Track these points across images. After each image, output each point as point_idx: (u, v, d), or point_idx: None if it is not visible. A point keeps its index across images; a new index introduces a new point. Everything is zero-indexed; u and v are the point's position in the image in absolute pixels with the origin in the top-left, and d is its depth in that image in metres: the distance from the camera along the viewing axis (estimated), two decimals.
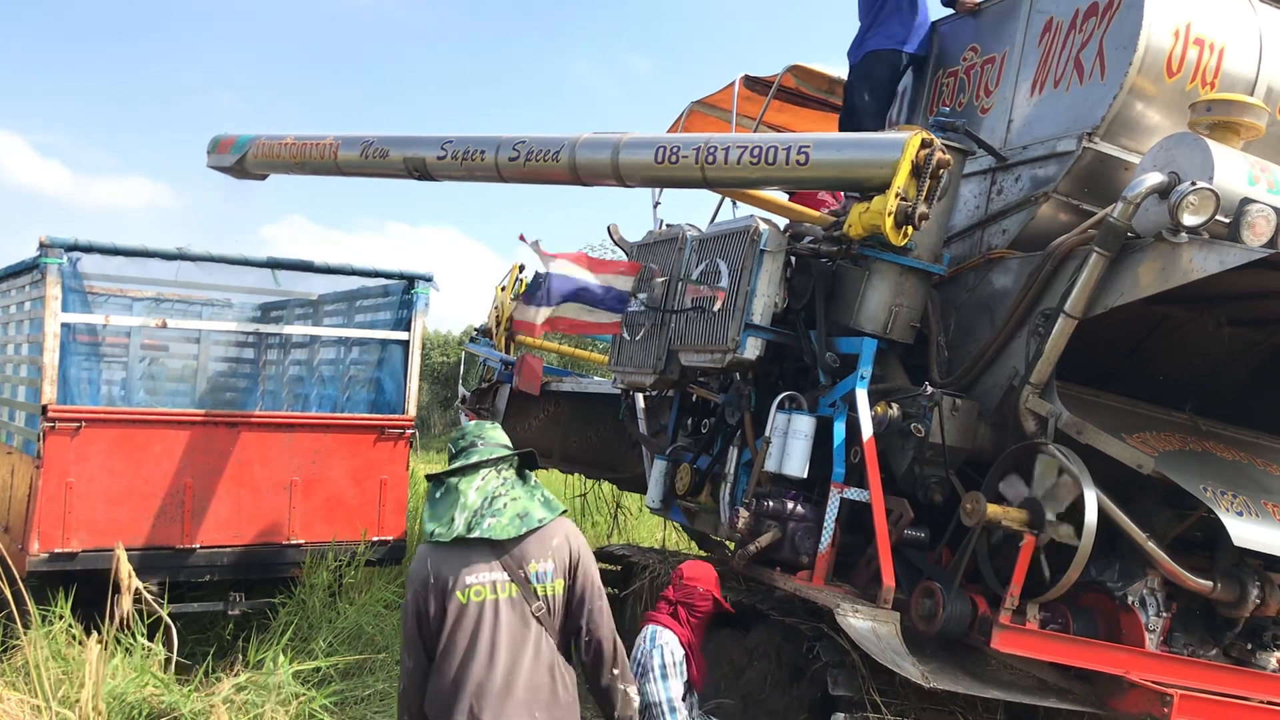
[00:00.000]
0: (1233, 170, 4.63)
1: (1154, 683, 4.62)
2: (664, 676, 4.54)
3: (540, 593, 3.60)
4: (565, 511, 3.82)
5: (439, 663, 3.56)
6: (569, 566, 3.66)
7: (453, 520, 3.60)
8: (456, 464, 3.75)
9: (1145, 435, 5.01)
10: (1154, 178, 4.64)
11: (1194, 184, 4.49)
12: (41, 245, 6.54)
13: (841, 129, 6.78)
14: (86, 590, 6.17)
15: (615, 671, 3.73)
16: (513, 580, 3.58)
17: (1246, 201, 4.52)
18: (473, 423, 3.96)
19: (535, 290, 6.15)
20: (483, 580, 3.56)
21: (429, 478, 3.81)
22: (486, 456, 3.75)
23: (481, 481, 3.69)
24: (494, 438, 3.87)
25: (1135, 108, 5.30)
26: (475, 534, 3.55)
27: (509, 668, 3.51)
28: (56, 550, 6.37)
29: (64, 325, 6.58)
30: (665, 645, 4.61)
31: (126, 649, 5.58)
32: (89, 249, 6.73)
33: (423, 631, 3.60)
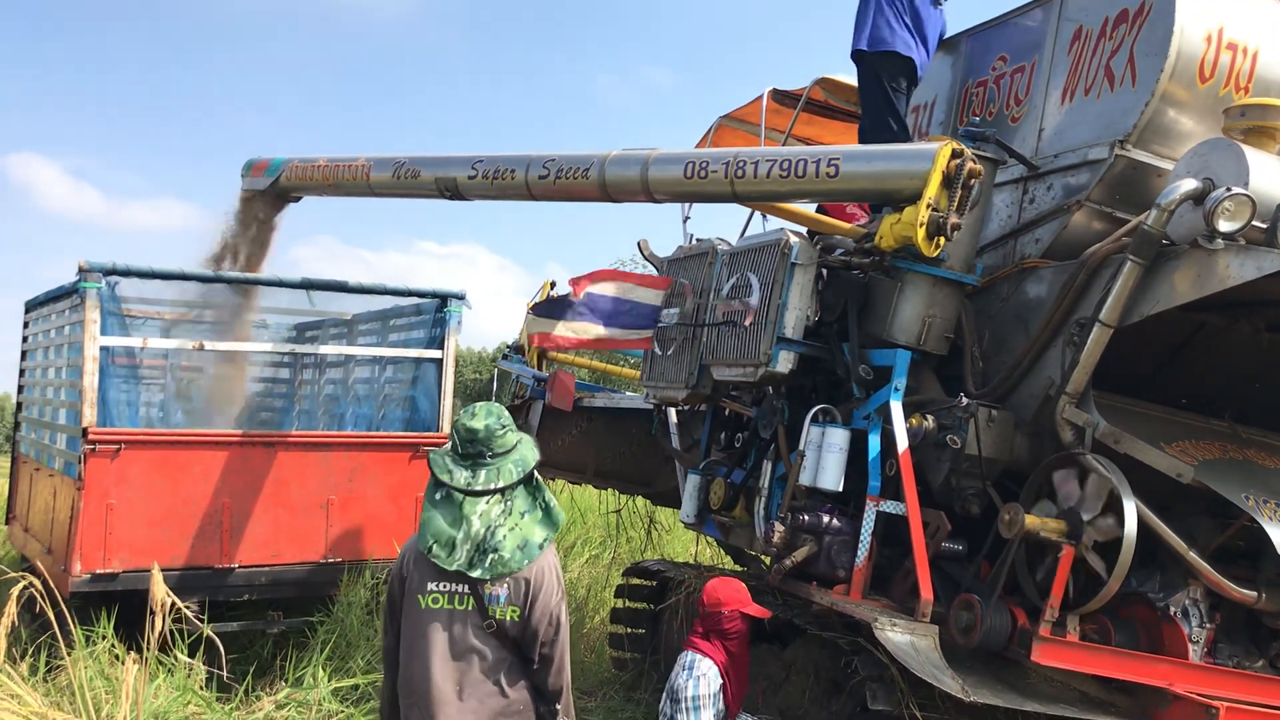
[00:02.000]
0: (1268, 175, 4.58)
1: (1199, 695, 4.55)
2: (696, 708, 4.55)
3: (492, 613, 3.63)
4: (556, 529, 3.76)
5: (402, 654, 3.71)
6: (524, 598, 3.64)
7: (453, 548, 3.59)
8: (461, 479, 3.64)
9: (1184, 444, 4.95)
10: (1188, 184, 4.61)
11: (1229, 190, 4.45)
12: (80, 270, 6.64)
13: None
14: (128, 610, 6.23)
15: (558, 707, 3.83)
16: (471, 594, 3.63)
17: None
18: (485, 423, 3.72)
19: (558, 306, 6.19)
20: (442, 589, 3.64)
21: (434, 476, 3.71)
22: (492, 483, 3.65)
23: (486, 506, 3.63)
24: (503, 447, 3.72)
25: (1168, 114, 5.26)
26: (476, 573, 3.57)
27: (459, 675, 3.62)
28: (98, 571, 6.45)
29: (103, 348, 6.67)
30: (703, 676, 4.61)
31: (169, 669, 5.63)
32: (127, 273, 6.83)
33: (394, 616, 3.78)
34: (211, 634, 5.87)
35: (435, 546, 3.60)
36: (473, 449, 3.68)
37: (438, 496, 3.69)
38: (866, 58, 6.53)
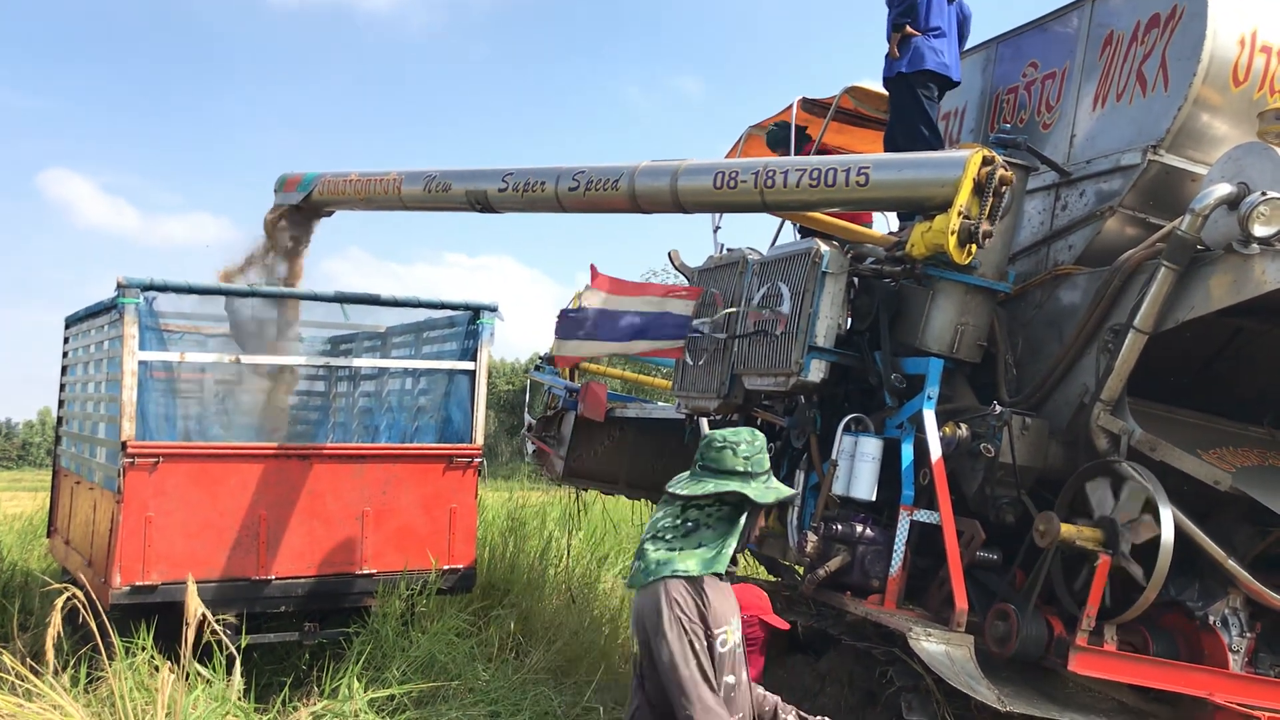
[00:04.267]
0: None
1: (1240, 705, 4.50)
2: None
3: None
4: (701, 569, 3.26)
5: None
6: (641, 632, 3.29)
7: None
8: (672, 483, 3.37)
9: (1222, 451, 4.90)
10: (1222, 189, 4.57)
11: (1264, 194, 4.41)
12: (119, 286, 6.73)
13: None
14: (167, 622, 6.30)
15: None
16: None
17: None
18: (720, 433, 3.42)
19: (577, 322, 6.22)
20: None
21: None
22: (687, 489, 3.32)
23: (662, 515, 3.37)
24: (715, 462, 3.35)
25: (1201, 118, 5.22)
26: (626, 581, 3.35)
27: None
28: (138, 583, 6.52)
29: (141, 363, 6.75)
30: None
31: (207, 680, 5.69)
32: (164, 288, 6.91)
33: None
34: (233, 648, 5.91)
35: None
36: (696, 455, 3.45)
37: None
38: (901, 77, 6.54)
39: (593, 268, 6.38)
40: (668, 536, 3.30)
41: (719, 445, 3.37)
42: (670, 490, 3.36)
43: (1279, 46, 5.25)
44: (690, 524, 3.31)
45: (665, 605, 3.15)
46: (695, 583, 3.21)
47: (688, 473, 3.42)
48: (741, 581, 6.86)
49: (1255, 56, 5.19)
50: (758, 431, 3.46)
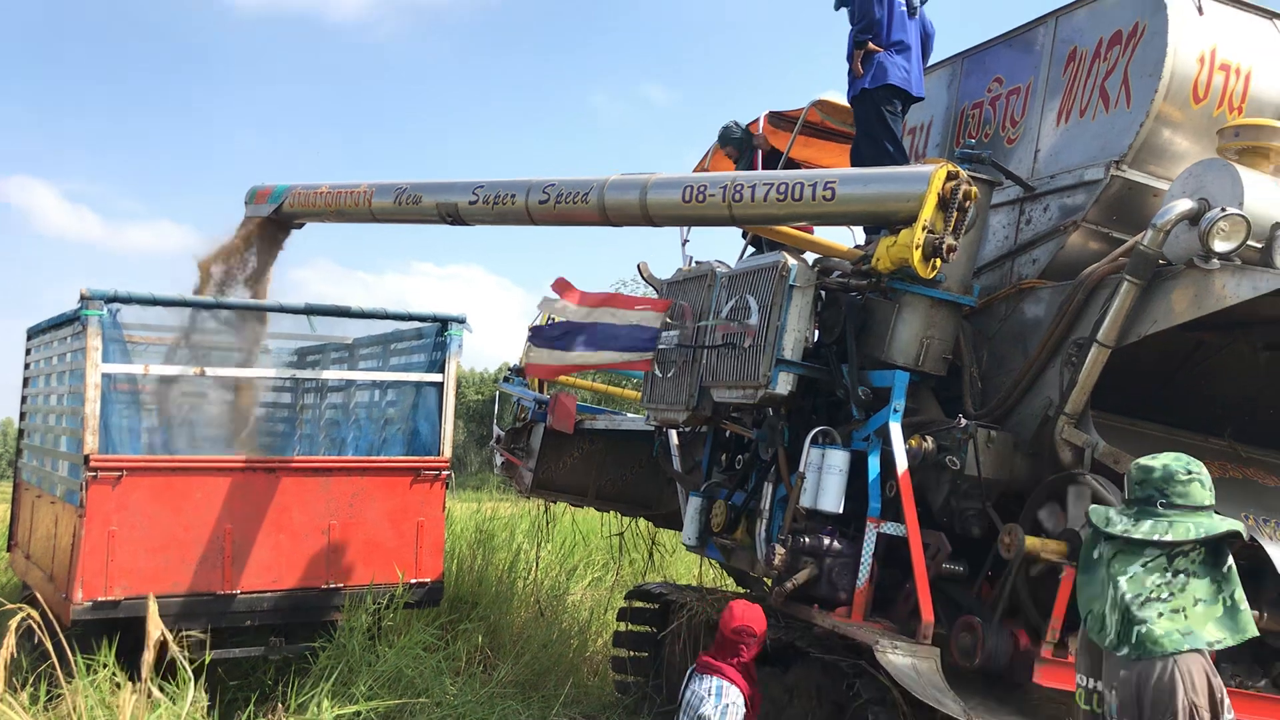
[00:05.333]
0: (1263, 195, 4.61)
1: None
2: None
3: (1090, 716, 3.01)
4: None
5: None
6: (1133, 710, 2.84)
7: (1104, 621, 2.97)
8: (1119, 526, 2.98)
9: None
10: (1183, 204, 4.63)
11: (1224, 210, 4.48)
12: (82, 298, 6.66)
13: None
14: (130, 638, 6.22)
15: None
16: (1097, 692, 3.01)
17: (1278, 226, 4.50)
18: (1164, 463, 3.07)
19: (550, 333, 6.22)
20: (1088, 686, 3.09)
21: (1090, 523, 3.09)
22: (1157, 534, 2.93)
23: (1141, 570, 2.94)
24: (1183, 498, 2.99)
25: (1162, 134, 5.29)
26: (1123, 651, 2.87)
27: None
28: (100, 599, 6.44)
29: (105, 375, 6.68)
30: (733, 704, 4.60)
31: (171, 697, 5.62)
32: (129, 300, 6.85)
33: None
34: (188, 670, 5.83)
35: (1089, 619, 3.03)
36: (1142, 492, 3.04)
37: (1094, 555, 3.08)
38: (865, 93, 6.59)
39: (560, 280, 6.38)
40: (1164, 596, 2.88)
41: (1186, 477, 3.01)
42: (1131, 535, 2.96)
43: (1237, 64, 5.33)
44: (1182, 575, 2.91)
45: (1181, 690, 2.77)
46: (1207, 657, 2.85)
47: (1119, 511, 3.05)
48: (720, 596, 6.91)
49: (1215, 74, 5.27)
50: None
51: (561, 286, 6.33)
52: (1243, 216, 4.46)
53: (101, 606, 6.44)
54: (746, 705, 4.67)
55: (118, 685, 5.77)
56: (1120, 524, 2.98)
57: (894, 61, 6.49)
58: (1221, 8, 5.37)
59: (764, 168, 7.86)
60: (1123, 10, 5.44)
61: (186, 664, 5.56)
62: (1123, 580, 2.91)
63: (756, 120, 8.16)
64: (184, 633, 6.29)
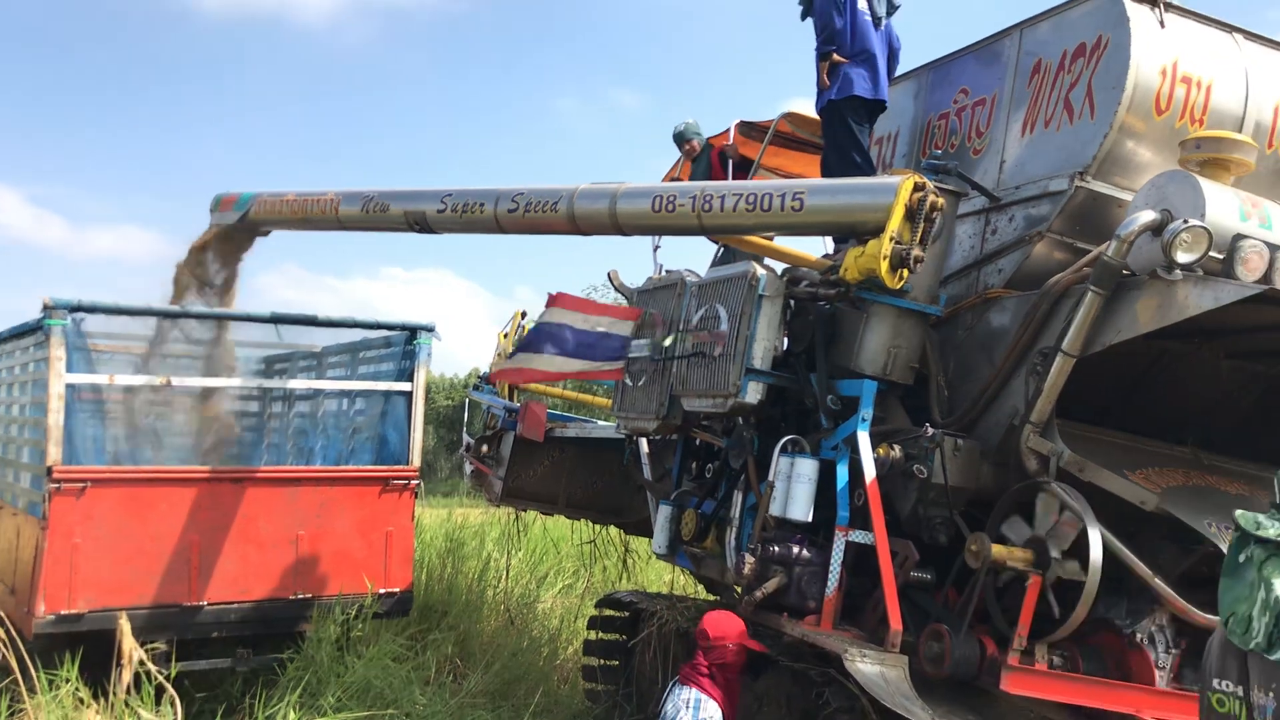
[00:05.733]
0: (1224, 206, 4.68)
1: None
2: None
3: None
4: None
5: None
6: None
7: (1249, 624, 2.87)
8: (1274, 528, 2.91)
9: (1148, 471, 5.02)
10: (1146, 216, 4.68)
11: (1186, 221, 4.53)
12: (45, 307, 6.58)
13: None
14: (94, 652, 6.15)
15: None
16: (1238, 697, 2.94)
17: (1239, 237, 4.56)
18: None
19: (526, 343, 6.24)
20: (1225, 689, 3.00)
21: (1239, 527, 2.99)
22: None
23: None
24: None
25: (1126, 146, 5.35)
26: (1276, 655, 2.79)
27: None
28: (63, 612, 6.36)
29: (68, 386, 6.60)
30: (710, 718, 4.61)
31: (136, 712, 5.57)
32: (93, 309, 6.77)
33: None
34: (169, 687, 5.78)
35: (1231, 621, 2.92)
36: None
37: (1240, 559, 2.99)
38: (831, 104, 6.63)
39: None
40: None
41: None
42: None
43: (1198, 77, 5.40)
44: None
45: None
46: None
47: (1269, 516, 2.98)
48: (690, 605, 6.92)
49: (1176, 86, 5.33)
50: None
51: (552, 299, 6.34)
52: (1205, 228, 4.52)
53: (65, 620, 6.36)
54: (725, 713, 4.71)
55: (81, 701, 5.70)
56: (1272, 529, 2.95)
57: (859, 72, 6.53)
58: (1183, 21, 5.44)
59: (734, 178, 7.90)
60: (1086, 23, 5.51)
61: (155, 678, 5.51)
62: (1276, 583, 2.88)
63: (726, 130, 8.21)
64: (149, 645, 6.23)
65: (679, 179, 8.62)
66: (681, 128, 8.43)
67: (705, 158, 8.30)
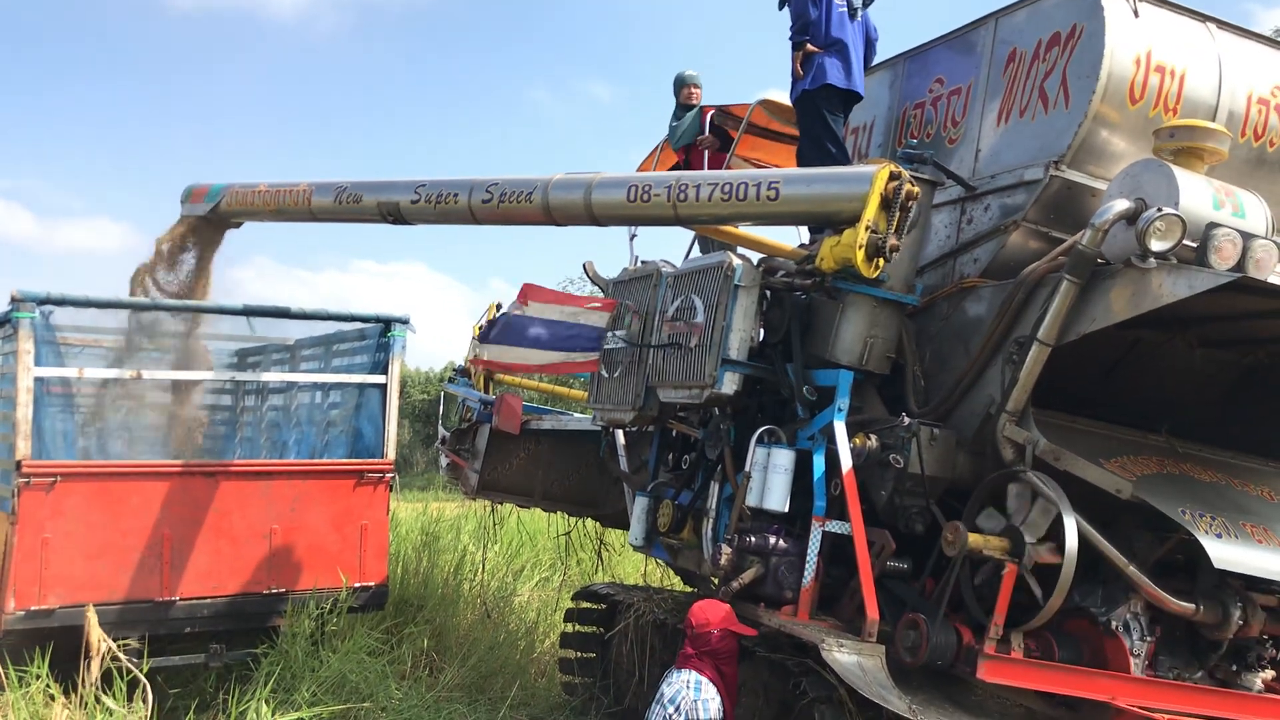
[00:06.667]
0: (1198, 195, 4.68)
1: (1140, 708, 4.61)
2: None
3: None
4: None
5: None
6: None
7: None
8: None
9: (1123, 459, 5.03)
10: (1121, 204, 4.69)
11: (1160, 210, 4.54)
12: (13, 299, 6.50)
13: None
14: (65, 648, 6.08)
15: None
16: None
17: (1212, 226, 4.56)
18: None
19: (503, 331, 6.18)
20: None
21: None
22: None
23: None
24: None
25: (1100, 135, 5.36)
26: None
27: None
28: (33, 608, 6.29)
29: (37, 379, 6.53)
30: (711, 700, 4.68)
31: (107, 709, 5.51)
32: (61, 302, 6.69)
33: None
34: (144, 678, 5.73)
35: None
36: None
37: None
38: (805, 94, 6.62)
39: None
40: None
41: None
42: None
43: (1172, 66, 5.41)
44: None
45: None
46: None
47: None
48: (668, 596, 6.91)
49: (1150, 75, 5.34)
50: None
51: (525, 293, 6.29)
52: (1178, 216, 4.52)
53: (35, 616, 6.29)
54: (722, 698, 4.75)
55: (51, 698, 5.64)
56: None
57: (833, 62, 6.53)
58: (1157, 11, 5.45)
59: (709, 166, 7.88)
60: (1061, 12, 5.51)
61: (126, 674, 5.45)
62: None
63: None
64: (121, 641, 6.16)
65: (656, 170, 8.60)
66: (684, 74, 8.31)
67: (697, 113, 8.21)
